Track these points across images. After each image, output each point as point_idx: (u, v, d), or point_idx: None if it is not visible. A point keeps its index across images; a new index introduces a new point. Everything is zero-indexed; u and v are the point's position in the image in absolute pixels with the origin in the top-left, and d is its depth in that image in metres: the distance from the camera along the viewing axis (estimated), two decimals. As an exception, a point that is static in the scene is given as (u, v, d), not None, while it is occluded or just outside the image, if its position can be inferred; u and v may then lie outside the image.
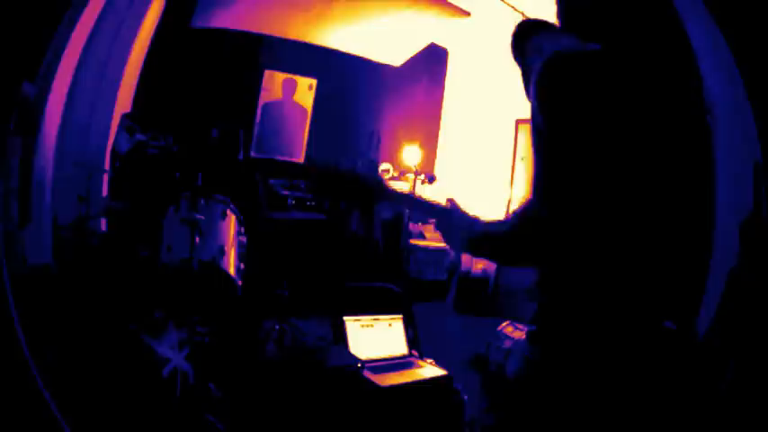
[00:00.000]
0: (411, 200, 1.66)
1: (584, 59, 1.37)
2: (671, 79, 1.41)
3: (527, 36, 1.67)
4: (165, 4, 5.21)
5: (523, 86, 1.73)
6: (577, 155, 1.31)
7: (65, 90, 3.74)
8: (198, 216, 3.11)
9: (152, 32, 5.14)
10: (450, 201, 1.56)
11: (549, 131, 1.34)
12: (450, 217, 1.54)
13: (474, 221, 1.50)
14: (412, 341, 3.58)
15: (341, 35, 6.66)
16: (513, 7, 5.65)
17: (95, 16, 3.89)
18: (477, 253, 1.55)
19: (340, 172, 1.59)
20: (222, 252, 3.26)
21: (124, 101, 4.67)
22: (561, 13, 1.62)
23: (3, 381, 1.53)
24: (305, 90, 6.75)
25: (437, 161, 7.81)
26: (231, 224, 3.45)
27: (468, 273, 6.76)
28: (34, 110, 3.11)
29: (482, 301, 6.61)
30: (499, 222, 1.45)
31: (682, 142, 1.41)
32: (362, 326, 3.36)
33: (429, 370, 3.26)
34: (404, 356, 3.42)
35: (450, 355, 3.88)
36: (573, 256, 1.35)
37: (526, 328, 1.48)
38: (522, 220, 1.38)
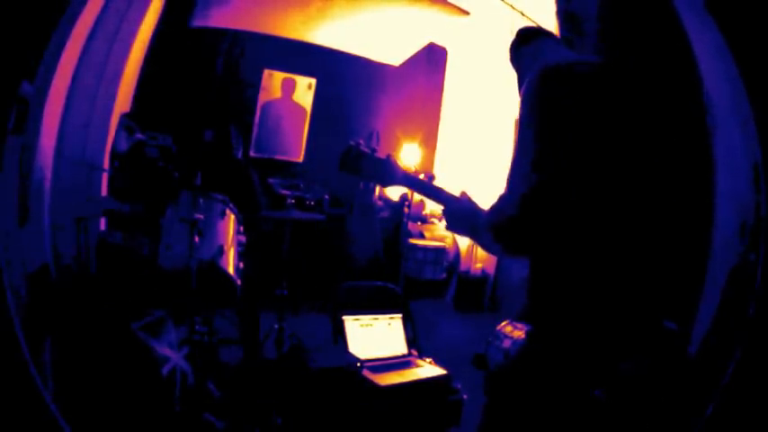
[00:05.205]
0: (422, 184, 1.71)
1: (572, 74, 1.40)
2: (669, 82, 1.42)
3: (524, 43, 1.70)
4: (165, 3, 5.21)
5: (518, 90, 1.75)
6: (562, 160, 1.33)
7: (64, 89, 3.73)
8: (197, 215, 3.10)
9: (151, 32, 5.13)
10: (463, 193, 1.64)
11: (528, 135, 1.38)
12: (458, 203, 1.62)
13: (478, 210, 1.56)
14: (411, 340, 3.58)
15: (340, 35, 6.65)
16: (511, 6, 5.64)
17: (95, 15, 3.89)
18: (477, 240, 1.62)
19: (358, 151, 1.68)
20: (221, 251, 3.26)
21: (123, 100, 4.66)
22: (560, 13, 1.63)
23: (3, 382, 1.53)
24: (304, 89, 6.74)
25: (436, 160, 7.82)
26: (230, 223, 3.45)
27: (467, 272, 6.77)
28: (33, 109, 3.10)
29: (481, 299, 6.62)
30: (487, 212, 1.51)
31: (680, 144, 1.41)
32: (362, 325, 3.36)
33: (428, 369, 3.26)
34: (403, 356, 3.42)
35: (449, 354, 3.87)
36: (553, 250, 1.37)
37: (526, 328, 1.50)
38: (495, 213, 1.44)
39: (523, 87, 1.42)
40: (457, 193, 1.66)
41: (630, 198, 1.35)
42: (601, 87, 1.39)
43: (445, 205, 1.65)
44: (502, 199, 1.41)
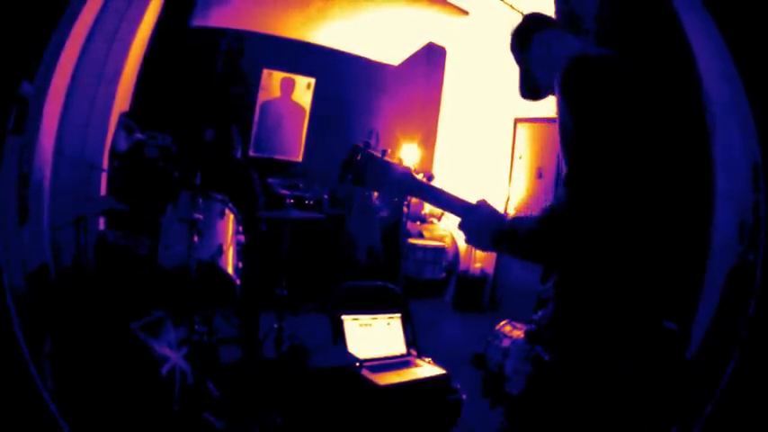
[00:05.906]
0: (439, 194, 1.57)
1: (608, 64, 1.36)
2: (672, 83, 1.41)
3: (533, 30, 1.65)
4: (164, 3, 5.20)
5: (519, 81, 1.72)
6: (603, 154, 1.30)
7: (63, 89, 3.73)
8: (196, 215, 3.11)
9: (151, 31, 5.13)
10: (481, 201, 1.52)
11: (578, 129, 1.32)
12: (478, 213, 1.50)
13: (503, 217, 1.47)
14: (410, 340, 3.58)
15: (340, 35, 6.66)
16: (511, 6, 5.65)
17: (94, 15, 3.88)
18: (506, 249, 1.46)
19: (375, 160, 1.56)
20: (221, 251, 3.26)
21: (122, 100, 4.66)
22: (559, 13, 1.63)
23: (3, 382, 1.53)
24: (303, 89, 6.75)
25: (435, 160, 7.82)
26: (229, 223, 3.45)
27: (466, 272, 6.77)
28: (33, 109, 3.10)
29: (480, 299, 6.63)
30: (529, 218, 1.41)
31: (680, 143, 1.41)
32: (361, 325, 3.36)
33: (427, 369, 3.26)
34: (402, 355, 3.42)
35: (448, 354, 3.88)
36: (597, 257, 1.34)
37: (525, 328, 1.49)
38: (551, 214, 1.35)
39: (557, 84, 1.36)
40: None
41: (643, 198, 1.34)
42: (623, 83, 1.35)
43: (462, 218, 1.51)
44: (555, 203, 1.35)
